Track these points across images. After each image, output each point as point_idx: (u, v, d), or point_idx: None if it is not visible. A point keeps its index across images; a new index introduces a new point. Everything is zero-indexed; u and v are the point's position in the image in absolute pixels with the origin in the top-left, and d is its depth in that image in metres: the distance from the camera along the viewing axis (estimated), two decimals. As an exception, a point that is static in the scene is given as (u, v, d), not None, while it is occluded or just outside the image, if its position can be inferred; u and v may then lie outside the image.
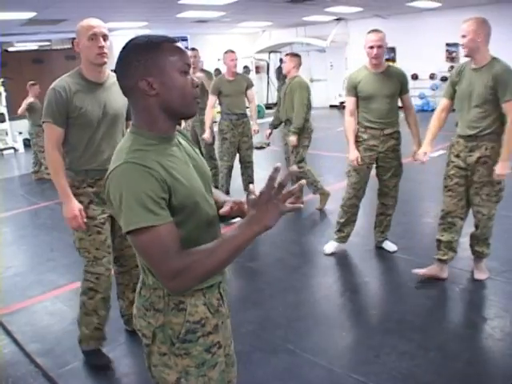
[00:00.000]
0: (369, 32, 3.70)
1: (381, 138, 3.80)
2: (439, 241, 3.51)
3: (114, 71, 1.38)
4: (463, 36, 3.14)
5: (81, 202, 2.64)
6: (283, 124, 5.45)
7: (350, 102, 3.90)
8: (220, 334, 1.49)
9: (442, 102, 3.47)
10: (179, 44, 1.36)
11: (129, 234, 1.27)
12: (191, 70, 1.40)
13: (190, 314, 1.40)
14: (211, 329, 1.45)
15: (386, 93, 3.73)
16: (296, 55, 5.36)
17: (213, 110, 5.54)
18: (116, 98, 2.62)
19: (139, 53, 1.31)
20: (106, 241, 2.73)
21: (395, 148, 3.85)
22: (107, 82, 2.64)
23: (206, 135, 5.49)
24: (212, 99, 5.45)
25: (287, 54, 5.42)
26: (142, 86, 1.30)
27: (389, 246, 4.16)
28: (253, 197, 1.26)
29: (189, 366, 1.41)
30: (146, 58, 1.30)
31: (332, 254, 4.19)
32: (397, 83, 3.77)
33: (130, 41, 1.35)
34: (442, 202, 3.48)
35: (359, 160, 3.85)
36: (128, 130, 1.40)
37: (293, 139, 5.12)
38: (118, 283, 3.01)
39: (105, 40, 2.51)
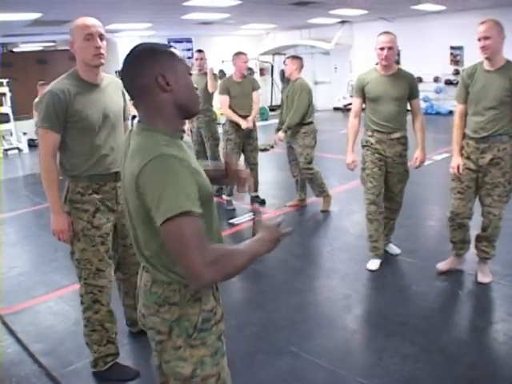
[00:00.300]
0: (380, 34, 3.67)
1: (388, 143, 3.73)
2: (453, 242, 3.58)
3: (120, 74, 1.41)
4: (486, 38, 3.09)
5: (87, 210, 2.53)
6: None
7: (355, 103, 3.88)
8: (224, 323, 1.57)
9: (459, 108, 3.40)
10: (178, 51, 1.47)
11: (166, 222, 1.27)
12: (196, 71, 1.48)
13: (204, 303, 1.47)
14: (219, 317, 1.53)
15: (394, 95, 3.66)
16: (297, 57, 5.37)
17: (228, 109, 5.44)
18: (114, 100, 2.54)
19: (151, 53, 1.39)
20: (108, 252, 2.63)
21: (402, 153, 3.79)
22: (102, 84, 2.51)
23: (244, 124, 5.32)
24: (224, 99, 5.41)
25: (288, 57, 5.45)
26: (160, 81, 1.37)
27: (392, 249, 4.15)
28: (266, 222, 1.49)
29: (204, 355, 1.47)
30: (158, 58, 1.39)
31: (334, 256, 4.19)
32: (406, 86, 3.70)
33: (136, 46, 1.43)
34: (451, 204, 3.48)
35: (356, 163, 3.86)
36: (138, 129, 1.42)
37: (280, 135, 5.27)
38: (118, 290, 2.96)
39: (101, 40, 2.36)
